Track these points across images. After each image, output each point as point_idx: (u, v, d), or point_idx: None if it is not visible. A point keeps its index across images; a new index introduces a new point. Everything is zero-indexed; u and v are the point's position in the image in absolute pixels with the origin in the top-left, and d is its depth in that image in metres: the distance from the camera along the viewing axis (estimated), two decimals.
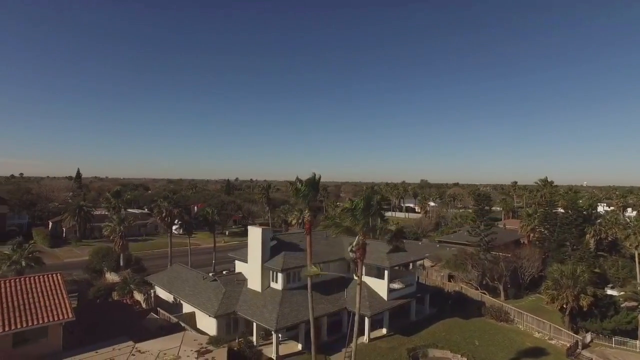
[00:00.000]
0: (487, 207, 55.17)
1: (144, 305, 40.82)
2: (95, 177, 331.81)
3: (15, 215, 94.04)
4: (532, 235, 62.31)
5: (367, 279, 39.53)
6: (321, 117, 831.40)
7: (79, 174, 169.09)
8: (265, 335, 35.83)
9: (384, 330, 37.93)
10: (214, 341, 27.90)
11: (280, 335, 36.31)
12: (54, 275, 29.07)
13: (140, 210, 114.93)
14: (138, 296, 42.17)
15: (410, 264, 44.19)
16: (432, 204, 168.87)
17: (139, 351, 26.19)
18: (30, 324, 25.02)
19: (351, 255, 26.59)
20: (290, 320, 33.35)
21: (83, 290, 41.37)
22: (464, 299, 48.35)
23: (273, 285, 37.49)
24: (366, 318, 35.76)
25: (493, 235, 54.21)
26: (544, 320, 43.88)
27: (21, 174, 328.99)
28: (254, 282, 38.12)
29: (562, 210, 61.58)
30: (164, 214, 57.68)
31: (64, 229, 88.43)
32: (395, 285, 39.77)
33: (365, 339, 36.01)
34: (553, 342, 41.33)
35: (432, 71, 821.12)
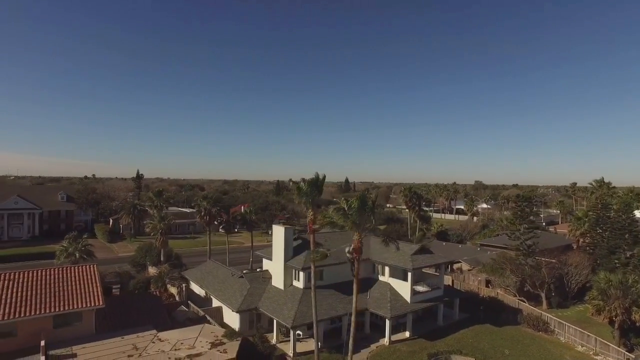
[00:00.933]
0: (527, 209, 51.90)
1: (177, 298, 43.30)
2: (157, 177, 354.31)
3: (82, 212, 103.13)
4: (581, 240, 57.51)
5: (391, 281, 39.06)
6: (374, 118, 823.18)
7: (138, 174, 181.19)
8: (287, 332, 36.61)
9: (407, 334, 37.18)
10: (229, 334, 29.02)
11: (301, 333, 37.11)
12: (89, 266, 31.86)
13: (191, 210, 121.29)
14: (172, 289, 44.81)
15: (437, 267, 42.80)
16: (484, 205, 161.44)
17: (159, 339, 27.97)
18: (67, 308, 27.69)
19: (348, 255, 26.34)
20: (308, 318, 33.70)
21: (125, 282, 44.73)
22: (500, 306, 45.93)
23: (295, 283, 38.18)
24: (387, 320, 35.29)
25: (535, 239, 50.95)
26: (589, 334, 40.52)
27: (93, 175, 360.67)
28: (278, 280, 39.03)
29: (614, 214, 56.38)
30: (202, 213, 60.66)
31: (121, 226, 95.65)
32: (420, 288, 38.82)
33: (385, 341, 35.55)
34: (598, 357, 38.11)
35: (490, 67, 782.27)
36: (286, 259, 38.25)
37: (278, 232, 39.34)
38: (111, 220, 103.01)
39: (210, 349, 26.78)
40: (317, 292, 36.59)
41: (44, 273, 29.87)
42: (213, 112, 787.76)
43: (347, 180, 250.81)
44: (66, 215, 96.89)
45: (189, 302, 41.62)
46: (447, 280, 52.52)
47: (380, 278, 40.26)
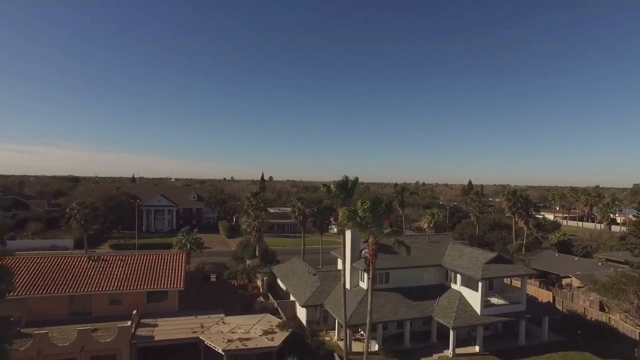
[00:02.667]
0: None
1: (261, 290, 47.55)
2: (289, 180, 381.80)
3: (209, 210, 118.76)
4: None
5: (462, 289, 36.67)
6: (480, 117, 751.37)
7: (262, 177, 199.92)
8: (350, 330, 37.44)
9: (477, 348, 34.39)
10: (282, 325, 31.24)
11: (364, 333, 37.46)
12: (179, 255, 37.63)
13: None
14: (258, 282, 49.31)
15: (517, 279, 38.39)
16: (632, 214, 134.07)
17: (223, 322, 31.69)
18: (156, 287, 33.42)
19: (363, 255, 25.90)
20: (365, 319, 33.98)
21: (221, 272, 50.84)
22: (612, 334, 38.83)
23: (361, 284, 38.66)
24: (451, 330, 33.31)
25: None
26: None
27: (232, 177, 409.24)
28: (345, 280, 39.92)
29: None
30: (297, 213, 64.80)
31: (240, 223, 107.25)
32: (494, 300, 35.49)
33: (449, 352, 33.56)
34: None
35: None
36: (352, 260, 38.97)
37: (346, 233, 40.27)
38: (234, 218, 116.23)
39: (261, 335, 29.35)
40: (382, 294, 36.74)
41: (144, 257, 36.48)
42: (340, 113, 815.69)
43: (470, 182, 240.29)
44: (197, 213, 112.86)
45: (269, 294, 45.42)
46: (546, 295, 46.43)
47: (452, 286, 38.00)
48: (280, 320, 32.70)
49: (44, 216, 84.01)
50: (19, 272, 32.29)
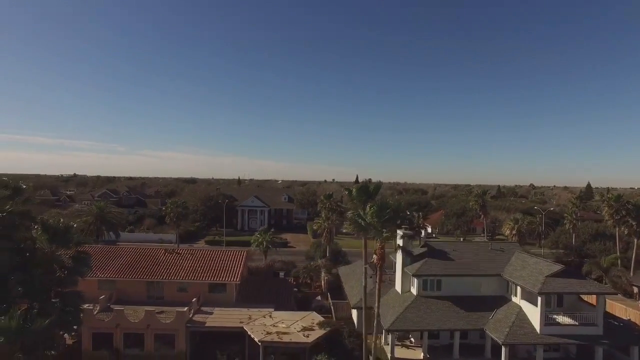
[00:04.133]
0: None
1: (323, 289, 49.22)
2: (396, 182, 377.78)
3: (300, 211, 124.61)
4: None
5: (522, 303, 33.57)
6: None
7: (357, 179, 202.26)
8: (401, 337, 36.98)
9: None
10: (322, 323, 32.37)
11: (413, 340, 36.78)
12: (240, 252, 41.25)
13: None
14: (322, 280, 51.03)
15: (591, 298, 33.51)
16: None
17: (270, 316, 34.03)
18: (216, 279, 37.32)
19: (371, 263, 25.34)
20: (408, 325, 33.35)
21: (288, 270, 53.86)
22: None
23: (412, 289, 37.77)
24: (502, 346, 30.76)
25: None
26: None
27: (333, 179, 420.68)
28: (398, 284, 39.46)
29: None
30: None
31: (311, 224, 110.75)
32: (562, 319, 31.66)
33: None
34: None
35: None
36: (404, 265, 38.30)
37: (399, 237, 39.75)
38: None
39: (299, 331, 30.93)
40: (431, 302, 35.63)
41: (209, 253, 40.91)
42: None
43: (589, 185, 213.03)
44: (287, 213, 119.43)
45: (328, 293, 46.82)
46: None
47: (513, 299, 34.89)
48: (322, 319, 33.87)
49: (157, 213, 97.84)
50: (114, 259, 38.96)
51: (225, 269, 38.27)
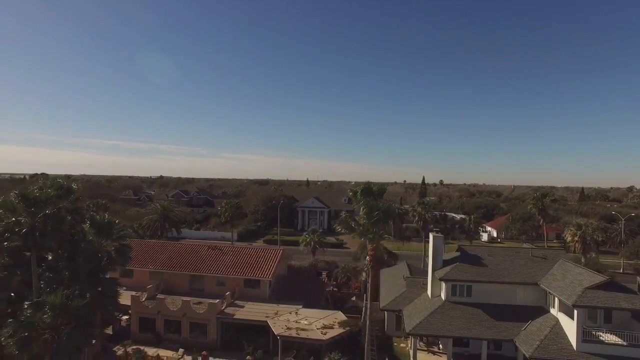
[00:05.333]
0: None
1: (360, 290, 49.46)
2: (464, 184, 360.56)
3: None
4: None
5: (560, 316, 31.12)
6: None
7: (423, 180, 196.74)
8: (430, 342, 36.34)
9: None
10: (343, 323, 33.00)
11: (442, 346, 35.83)
12: (276, 251, 43.26)
13: (459, 215, 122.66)
14: (362, 281, 51.27)
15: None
16: None
17: (296, 313, 35.47)
18: (251, 276, 39.73)
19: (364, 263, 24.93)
20: (430, 330, 32.56)
21: (331, 270, 54.89)
22: None
23: (441, 294, 36.69)
24: None
25: None
26: None
27: (404, 180, 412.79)
28: (429, 289, 38.55)
29: None
30: (417, 218, 63.90)
31: None
32: (605, 337, 28.69)
33: None
34: None
35: None
36: (434, 268, 37.37)
37: (430, 241, 38.87)
38: None
39: (318, 328, 31.93)
40: (459, 308, 34.63)
41: (248, 250, 43.51)
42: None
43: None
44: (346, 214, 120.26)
45: (365, 294, 46.99)
46: None
47: (551, 310, 32.41)
48: (345, 319, 34.48)
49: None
50: (163, 253, 43.25)
51: (260, 266, 40.52)
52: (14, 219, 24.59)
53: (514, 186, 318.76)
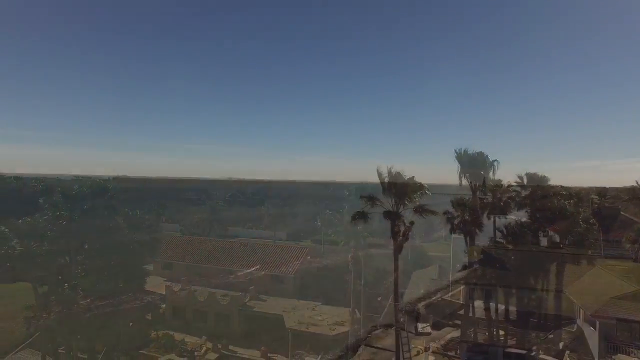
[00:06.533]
0: None
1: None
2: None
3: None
4: None
5: (584, 326, 28.86)
6: None
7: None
8: (446, 347, 35.44)
9: None
10: (353, 321, 33.50)
11: (459, 350, 34.73)
12: (303, 249, 44.76)
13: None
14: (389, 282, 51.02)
15: None
16: None
17: (314, 309, 36.66)
18: (276, 272, 41.66)
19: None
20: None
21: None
22: None
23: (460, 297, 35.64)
24: None
25: None
26: None
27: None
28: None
29: None
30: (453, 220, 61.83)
31: None
32: (635, 351, 26.14)
33: None
34: None
35: None
36: (453, 271, 36.41)
37: (451, 244, 37.92)
38: None
39: (329, 325, 32.83)
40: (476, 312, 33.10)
41: (276, 248, 45.54)
42: None
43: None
44: None
45: (392, 294, 46.81)
46: None
47: (577, 320, 30.20)
48: (358, 316, 34.98)
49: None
50: (199, 249, 46.68)
51: (285, 264, 42.30)
52: (57, 212, 28.72)
53: None
